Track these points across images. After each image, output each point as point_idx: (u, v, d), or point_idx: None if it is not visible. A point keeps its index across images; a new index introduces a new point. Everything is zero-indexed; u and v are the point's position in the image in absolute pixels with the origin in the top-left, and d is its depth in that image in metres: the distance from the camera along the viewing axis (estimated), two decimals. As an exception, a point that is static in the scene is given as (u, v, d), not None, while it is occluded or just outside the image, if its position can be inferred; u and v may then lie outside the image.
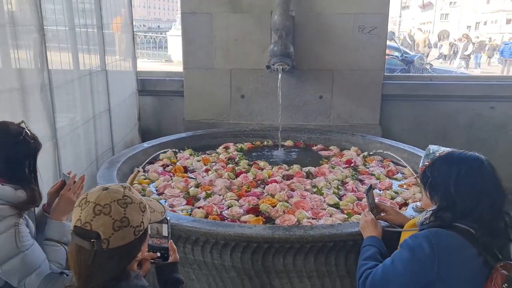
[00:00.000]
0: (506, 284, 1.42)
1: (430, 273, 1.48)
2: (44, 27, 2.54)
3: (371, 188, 1.97)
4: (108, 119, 3.62)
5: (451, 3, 49.13)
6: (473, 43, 17.57)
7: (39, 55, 2.53)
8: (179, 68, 4.47)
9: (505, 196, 1.58)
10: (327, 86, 4.26)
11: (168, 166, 3.06)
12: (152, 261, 1.47)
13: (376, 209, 1.95)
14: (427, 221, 1.61)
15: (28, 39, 2.47)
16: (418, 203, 2.17)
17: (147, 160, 3.10)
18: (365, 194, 1.97)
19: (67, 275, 1.38)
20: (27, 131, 1.79)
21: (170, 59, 15.31)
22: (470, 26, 43.69)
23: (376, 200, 2.09)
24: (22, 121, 1.84)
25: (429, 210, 1.64)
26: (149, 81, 4.61)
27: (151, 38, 17.53)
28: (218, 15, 4.16)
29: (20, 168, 1.76)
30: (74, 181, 1.94)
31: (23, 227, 1.70)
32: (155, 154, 3.19)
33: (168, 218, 1.49)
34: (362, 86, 4.24)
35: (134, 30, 4.58)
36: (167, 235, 1.51)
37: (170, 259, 1.52)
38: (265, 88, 4.26)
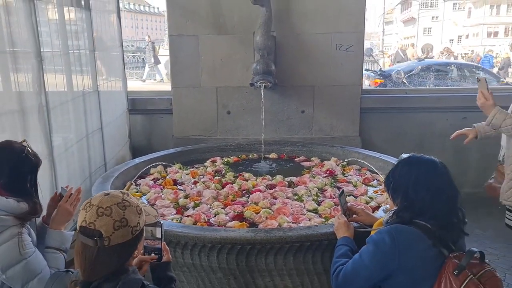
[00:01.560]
0: (456, 271, 1.62)
1: (392, 263, 1.68)
2: (41, 51, 2.74)
3: (343, 192, 2.17)
4: (100, 137, 3.80)
5: (433, 17, 50.42)
6: (454, 56, 18.15)
7: (37, 78, 2.71)
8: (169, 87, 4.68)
9: (458, 193, 1.80)
10: (308, 101, 4.50)
11: (158, 179, 3.24)
12: (145, 253, 1.65)
13: (348, 211, 2.16)
14: (390, 220, 1.82)
15: (26, 64, 2.66)
16: (388, 206, 2.38)
17: (138, 174, 3.27)
18: (337, 198, 2.17)
19: (72, 272, 1.54)
20: (28, 149, 1.97)
21: (160, 78, 15.54)
22: (452, 40, 44.82)
23: (349, 204, 2.30)
24: (24, 140, 2.02)
25: (392, 210, 1.85)
26: (139, 100, 4.82)
27: (140, 57, 17.80)
28: (204, 36, 4.40)
29: (23, 182, 1.93)
30: (71, 194, 2.12)
31: (26, 236, 1.86)
32: (145, 168, 3.36)
33: (162, 221, 1.67)
34: (341, 100, 4.48)
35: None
36: (160, 237, 1.69)
37: (164, 259, 1.70)
38: (250, 104, 4.48)
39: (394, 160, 3.09)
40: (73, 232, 2.10)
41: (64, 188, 2.17)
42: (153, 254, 1.68)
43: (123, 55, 4.65)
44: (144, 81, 15.60)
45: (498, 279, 1.65)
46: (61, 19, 3.18)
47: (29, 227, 1.92)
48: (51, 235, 2.01)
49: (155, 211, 1.65)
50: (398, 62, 13.40)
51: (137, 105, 4.78)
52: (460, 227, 1.80)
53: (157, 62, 15.58)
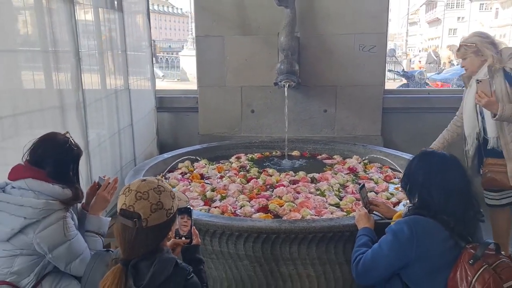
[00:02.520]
0: (471, 261, 1.70)
1: (410, 252, 1.77)
2: (79, 51, 2.92)
3: (363, 186, 2.28)
4: (131, 134, 3.98)
5: (459, 18, 49.50)
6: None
7: (75, 76, 2.90)
8: (194, 86, 4.83)
9: (470, 184, 1.87)
10: (331, 100, 4.58)
11: (186, 174, 3.39)
12: (176, 237, 1.79)
13: (369, 204, 2.25)
14: (408, 213, 1.91)
15: (66, 63, 2.84)
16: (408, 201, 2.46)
17: (167, 169, 3.44)
18: (358, 192, 2.27)
19: (112, 252, 1.69)
20: (71, 140, 2.14)
21: (186, 78, 15.79)
22: (478, 41, 43.80)
23: (370, 198, 2.39)
24: (67, 132, 2.19)
25: (410, 205, 1.94)
26: (166, 98, 4.99)
27: (164, 58, 18.16)
28: (229, 37, 4.54)
29: (66, 170, 2.10)
30: (109, 183, 2.28)
31: (69, 220, 2.03)
32: (174, 162, 3.52)
33: (191, 207, 1.81)
34: (363, 100, 4.55)
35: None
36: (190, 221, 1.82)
37: (193, 242, 1.84)
38: (273, 103, 4.60)
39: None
40: (110, 218, 2.27)
41: (102, 178, 2.33)
42: (183, 238, 1.82)
43: (151, 55, 4.82)
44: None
45: None
46: (97, 20, 3.36)
47: (72, 212, 2.08)
48: (90, 220, 2.18)
49: (186, 197, 1.80)
50: (430, 63, 13.21)
51: (164, 103, 4.95)
52: (477, 218, 1.87)
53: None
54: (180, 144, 4.69)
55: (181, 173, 3.39)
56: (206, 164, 3.61)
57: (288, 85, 3.93)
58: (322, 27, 4.43)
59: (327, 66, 4.50)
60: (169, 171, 3.46)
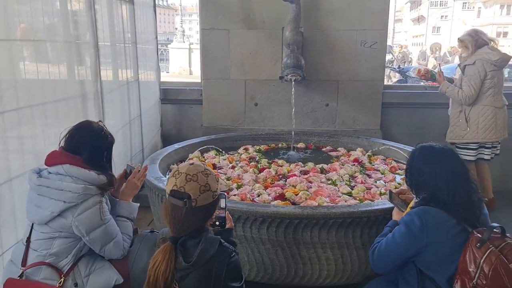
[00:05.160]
0: (479, 244, 1.83)
1: (421, 240, 1.90)
2: (98, 43, 2.98)
3: (391, 192, 2.24)
4: (139, 124, 4.05)
5: (442, 16, 50.27)
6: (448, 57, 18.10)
7: (94, 67, 2.96)
8: (185, 79, 4.89)
9: (468, 170, 1.99)
10: (332, 95, 4.71)
11: (197, 163, 3.47)
12: (212, 228, 1.89)
13: (404, 203, 2.21)
14: (418, 205, 2.03)
15: (86, 54, 2.90)
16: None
17: (178, 159, 3.53)
18: (390, 201, 2.24)
19: (157, 232, 1.78)
20: (105, 128, 2.22)
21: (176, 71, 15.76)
22: (461, 39, 44.60)
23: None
24: (100, 121, 2.27)
25: (417, 199, 2.06)
26: (171, 90, 5.05)
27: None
28: (234, 31, 4.62)
29: (100, 157, 2.18)
30: (139, 170, 2.37)
31: (105, 204, 2.11)
32: (187, 152, 3.60)
33: (225, 193, 1.92)
34: (364, 95, 4.69)
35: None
36: (224, 206, 1.93)
37: (227, 226, 1.94)
38: (277, 97, 4.71)
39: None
40: (138, 204, 2.36)
41: (130, 165, 2.42)
42: (217, 222, 1.92)
43: (157, 47, 4.88)
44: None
45: None
46: (110, 12, 3.42)
47: (106, 197, 2.17)
48: (122, 205, 2.27)
49: (222, 182, 1.91)
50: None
51: (169, 95, 5.02)
52: (481, 201, 2.00)
53: None
54: (184, 136, 4.76)
55: (192, 163, 3.47)
56: (216, 155, 3.71)
57: (295, 79, 4.04)
58: (326, 23, 4.55)
59: (329, 61, 4.62)
60: (180, 161, 3.54)
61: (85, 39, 2.89)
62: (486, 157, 4.00)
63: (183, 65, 16.47)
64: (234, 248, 1.94)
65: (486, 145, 3.95)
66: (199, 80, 4.92)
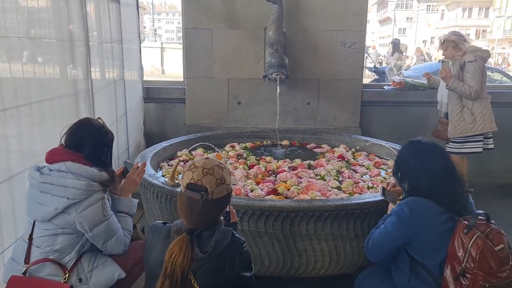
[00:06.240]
0: (466, 230, 1.97)
1: (411, 228, 2.02)
2: (89, 42, 2.98)
3: (383, 189, 2.38)
4: (125, 123, 4.04)
5: (407, 18, 51.71)
6: (424, 57, 18.75)
7: (85, 66, 2.96)
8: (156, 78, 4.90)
9: (453, 165, 2.13)
10: (314, 93, 4.84)
11: (187, 161, 3.51)
12: None
13: (396, 196, 2.32)
14: (406, 196, 2.16)
15: (77, 53, 2.89)
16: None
17: (167, 157, 3.56)
18: (383, 197, 2.37)
19: (169, 224, 1.82)
20: (105, 125, 2.24)
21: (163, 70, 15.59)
22: (425, 41, 46.12)
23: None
24: (99, 118, 2.29)
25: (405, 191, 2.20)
26: (153, 89, 5.05)
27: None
28: (218, 30, 4.67)
29: (101, 154, 2.19)
30: (137, 167, 2.40)
31: (107, 201, 2.14)
32: (178, 150, 3.63)
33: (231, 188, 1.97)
34: (344, 94, 4.84)
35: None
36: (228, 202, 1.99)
37: (231, 220, 2.01)
38: (259, 95, 4.79)
39: (398, 147, 3.47)
40: (137, 200, 2.39)
41: (128, 162, 2.45)
42: (222, 217, 1.98)
43: (140, 46, 4.87)
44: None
45: (502, 235, 1.97)
46: (97, 11, 3.41)
47: (108, 193, 2.19)
48: (122, 201, 2.29)
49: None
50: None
51: (151, 93, 5.02)
52: (466, 192, 2.14)
53: None
54: (166, 134, 4.79)
55: (183, 160, 3.52)
56: (203, 152, 3.75)
57: (279, 78, 4.13)
58: (307, 23, 4.67)
59: (310, 61, 4.74)
60: (169, 159, 3.57)
61: (77, 38, 2.88)
62: (490, 146, 4.12)
63: (155, 64, 16.33)
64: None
65: (489, 135, 4.10)
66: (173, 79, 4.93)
